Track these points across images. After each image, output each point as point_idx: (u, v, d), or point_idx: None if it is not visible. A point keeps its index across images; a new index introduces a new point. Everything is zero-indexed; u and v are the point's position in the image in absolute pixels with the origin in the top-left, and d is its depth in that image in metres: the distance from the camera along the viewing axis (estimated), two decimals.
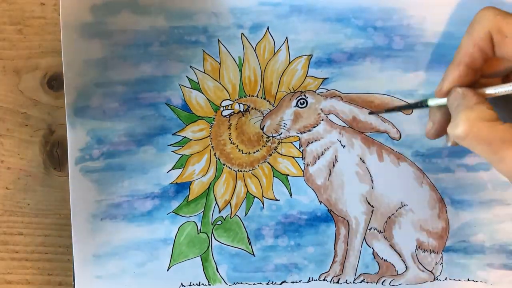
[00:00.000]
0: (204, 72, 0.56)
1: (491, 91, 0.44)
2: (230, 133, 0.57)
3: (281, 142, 0.57)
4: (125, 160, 0.56)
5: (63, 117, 0.56)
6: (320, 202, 0.57)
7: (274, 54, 0.56)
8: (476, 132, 0.41)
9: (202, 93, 0.56)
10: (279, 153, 0.57)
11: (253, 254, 0.57)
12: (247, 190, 0.57)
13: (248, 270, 0.57)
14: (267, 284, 0.57)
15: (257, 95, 0.56)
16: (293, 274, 0.57)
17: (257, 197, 0.57)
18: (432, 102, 0.47)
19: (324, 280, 0.57)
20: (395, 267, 0.57)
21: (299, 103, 0.56)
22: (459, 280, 0.57)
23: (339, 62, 0.56)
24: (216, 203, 0.57)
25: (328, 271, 0.57)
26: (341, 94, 0.56)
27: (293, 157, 0.57)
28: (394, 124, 0.56)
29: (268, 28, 0.56)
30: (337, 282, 0.57)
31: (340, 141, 0.57)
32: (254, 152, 0.57)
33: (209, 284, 0.57)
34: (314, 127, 0.57)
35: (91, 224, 0.56)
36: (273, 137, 0.57)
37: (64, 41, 0.55)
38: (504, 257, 0.57)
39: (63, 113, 0.56)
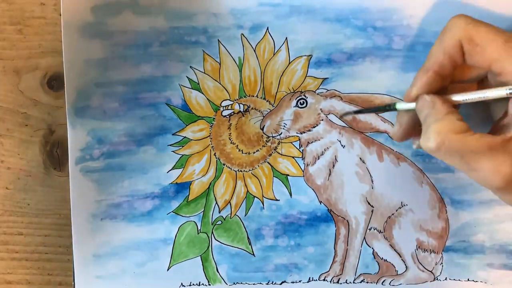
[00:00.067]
0: (204, 72, 0.56)
1: (457, 98, 0.45)
2: (230, 133, 0.57)
3: (281, 142, 0.57)
4: (125, 160, 0.56)
5: (63, 117, 0.56)
6: (320, 202, 0.57)
7: (274, 54, 0.56)
8: (448, 145, 0.42)
9: (202, 93, 0.56)
10: (279, 153, 0.57)
11: (253, 254, 0.57)
12: (247, 190, 0.57)
13: (248, 270, 0.57)
14: (267, 284, 0.57)
15: (257, 95, 0.56)
16: (293, 274, 0.57)
17: (257, 197, 0.57)
18: (400, 106, 0.48)
19: (324, 280, 0.57)
20: (395, 267, 0.57)
21: (299, 103, 0.56)
22: (459, 280, 0.57)
23: (339, 62, 0.56)
24: (216, 203, 0.57)
25: (328, 271, 0.57)
26: (341, 94, 0.56)
27: (293, 157, 0.57)
28: (394, 124, 0.56)
29: (268, 28, 0.56)
30: (337, 282, 0.57)
31: (340, 141, 0.57)
32: (254, 152, 0.57)
33: (209, 284, 0.57)
34: (314, 127, 0.57)
35: (91, 224, 0.56)
36: (273, 137, 0.57)
37: (65, 41, 0.55)
38: (504, 257, 0.57)
39: (63, 113, 0.56)
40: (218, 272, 0.57)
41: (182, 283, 0.57)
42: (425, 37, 0.55)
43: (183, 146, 0.56)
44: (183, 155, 0.56)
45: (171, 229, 0.57)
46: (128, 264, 0.57)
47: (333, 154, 0.57)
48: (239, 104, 0.56)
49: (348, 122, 0.57)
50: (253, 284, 0.57)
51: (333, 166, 0.57)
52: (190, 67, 0.56)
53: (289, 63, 0.56)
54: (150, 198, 0.56)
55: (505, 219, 0.56)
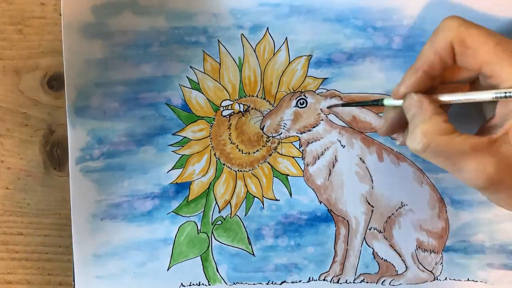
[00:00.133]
0: (204, 72, 0.56)
1: (445, 98, 0.45)
2: (230, 133, 0.57)
3: (281, 142, 0.57)
4: (125, 160, 0.56)
5: (63, 117, 0.56)
6: (320, 202, 0.57)
7: (274, 54, 0.56)
8: (434, 146, 0.43)
9: (202, 93, 0.56)
10: (279, 153, 0.57)
11: (253, 254, 0.57)
12: (247, 190, 0.57)
13: (248, 270, 0.57)
14: (267, 284, 0.57)
15: (257, 95, 0.56)
16: (293, 274, 0.57)
17: (257, 197, 0.57)
18: (387, 102, 0.48)
19: (324, 280, 0.57)
20: (395, 267, 0.57)
21: (299, 103, 0.56)
22: (459, 280, 0.57)
23: (338, 62, 0.56)
24: (216, 203, 0.57)
25: (328, 271, 0.57)
26: (340, 94, 0.56)
27: (293, 157, 0.57)
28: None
29: (267, 28, 0.56)
30: (337, 282, 0.57)
31: (340, 141, 0.57)
32: (254, 152, 0.57)
33: (209, 284, 0.57)
34: (314, 127, 0.57)
35: (91, 224, 0.56)
36: (273, 137, 0.57)
37: (65, 41, 0.55)
38: (504, 257, 0.57)
39: (63, 113, 0.56)
40: (218, 272, 0.57)
41: (182, 283, 0.57)
42: (425, 37, 0.55)
43: (183, 146, 0.56)
44: (183, 155, 0.57)
45: (171, 229, 0.57)
46: (128, 264, 0.57)
47: (333, 154, 0.57)
48: (239, 104, 0.56)
49: (348, 122, 0.57)
50: (253, 284, 0.57)
51: (333, 166, 0.57)
52: (190, 67, 0.56)
53: (289, 63, 0.56)
54: (150, 198, 0.56)
55: (505, 219, 0.56)
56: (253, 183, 0.57)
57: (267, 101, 0.56)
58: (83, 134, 0.56)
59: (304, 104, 0.56)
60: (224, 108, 0.57)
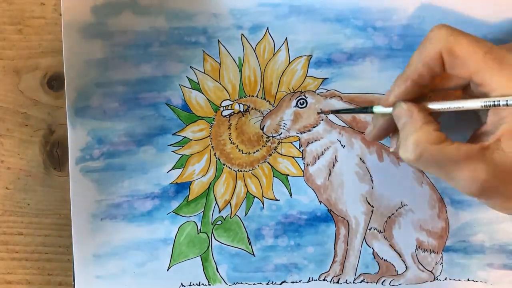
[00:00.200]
0: (204, 73, 0.56)
1: (434, 106, 0.45)
2: (230, 133, 0.57)
3: (281, 142, 0.57)
4: (125, 160, 0.56)
5: (63, 117, 0.56)
6: (320, 202, 0.57)
7: (273, 54, 0.56)
8: (426, 156, 0.43)
9: (202, 93, 0.56)
10: (279, 153, 0.57)
11: (253, 254, 0.57)
12: (247, 190, 0.57)
13: (248, 270, 0.57)
14: (267, 284, 0.57)
15: (257, 95, 0.56)
16: (293, 274, 0.57)
17: (257, 197, 0.57)
18: (376, 110, 0.49)
19: (324, 280, 0.57)
20: (395, 267, 0.57)
21: (299, 103, 0.56)
22: (459, 280, 0.57)
23: (338, 62, 0.56)
24: (216, 203, 0.57)
25: (328, 271, 0.57)
26: (340, 94, 0.56)
27: (293, 157, 0.57)
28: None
29: (267, 28, 0.56)
30: (337, 282, 0.57)
31: (340, 141, 0.57)
32: (254, 152, 0.57)
33: (209, 284, 0.57)
34: (314, 127, 0.57)
35: (91, 224, 0.56)
36: (273, 137, 0.57)
37: (65, 41, 0.55)
38: (504, 257, 0.57)
39: (63, 113, 0.56)
40: (218, 272, 0.57)
41: (182, 283, 0.57)
42: (424, 37, 0.55)
43: (183, 146, 0.56)
44: (183, 155, 0.57)
45: (171, 229, 0.57)
46: (128, 264, 0.57)
47: (333, 154, 0.57)
48: (239, 104, 0.56)
49: (348, 122, 0.57)
50: (253, 284, 0.57)
51: (333, 166, 0.57)
52: (190, 67, 0.56)
53: (289, 63, 0.56)
54: (150, 198, 0.56)
55: (505, 219, 0.56)
56: (253, 183, 0.57)
57: (267, 101, 0.56)
58: (83, 134, 0.56)
59: (304, 104, 0.56)
60: (224, 108, 0.57)
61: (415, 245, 0.57)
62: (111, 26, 0.55)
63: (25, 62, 0.56)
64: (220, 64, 0.56)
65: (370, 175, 0.56)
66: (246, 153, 0.57)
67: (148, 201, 0.56)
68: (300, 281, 0.57)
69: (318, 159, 0.57)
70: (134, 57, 0.56)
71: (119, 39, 0.55)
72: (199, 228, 0.57)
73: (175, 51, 0.56)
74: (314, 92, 0.56)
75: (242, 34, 0.56)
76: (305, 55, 0.56)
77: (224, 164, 0.57)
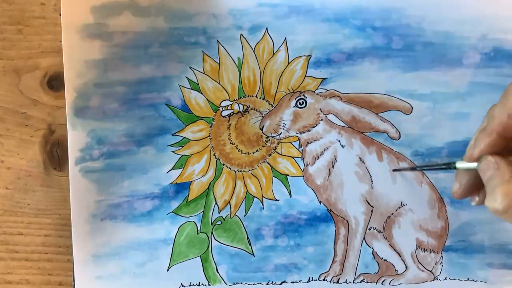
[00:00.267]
0: (204, 73, 0.56)
1: None
2: (230, 133, 0.57)
3: (281, 142, 0.57)
4: (125, 161, 0.56)
5: (63, 117, 0.56)
6: (320, 202, 0.57)
7: (273, 54, 0.56)
8: None
9: (202, 93, 0.56)
10: (278, 153, 0.57)
11: (253, 254, 0.57)
12: (247, 190, 0.57)
13: (248, 270, 0.57)
14: (267, 284, 0.57)
15: (256, 96, 0.56)
16: (293, 274, 0.57)
17: (256, 197, 0.57)
18: (460, 165, 0.46)
19: (324, 280, 0.57)
20: (395, 267, 0.57)
21: (298, 103, 0.56)
22: (459, 279, 0.57)
23: (338, 62, 0.56)
24: (216, 203, 0.57)
25: (328, 271, 0.57)
26: (340, 94, 0.56)
27: (292, 157, 0.57)
28: (394, 124, 0.56)
29: (267, 29, 0.56)
30: (337, 282, 0.57)
31: (339, 141, 0.57)
32: (253, 152, 0.57)
33: (209, 284, 0.57)
34: (314, 127, 0.57)
35: (91, 224, 0.56)
36: (272, 137, 0.57)
37: (65, 42, 0.55)
38: (504, 257, 0.57)
39: (63, 113, 0.56)
40: (218, 272, 0.57)
41: (182, 283, 0.57)
42: (424, 36, 0.56)
43: (182, 147, 0.57)
44: (182, 155, 0.57)
45: (171, 229, 0.57)
46: (128, 264, 0.57)
47: (332, 154, 0.57)
48: (238, 104, 0.57)
49: (347, 122, 0.57)
50: (253, 284, 0.57)
51: (333, 166, 0.57)
52: (190, 67, 0.56)
53: (288, 63, 0.56)
54: (150, 198, 0.56)
55: None
56: (253, 183, 0.57)
57: (266, 101, 0.57)
58: (83, 135, 0.56)
59: (304, 104, 0.56)
60: (223, 109, 0.57)
61: (415, 245, 0.57)
62: (111, 27, 0.55)
63: (25, 62, 0.56)
64: (219, 65, 0.56)
65: (370, 175, 0.56)
66: (245, 153, 0.57)
67: (148, 201, 0.56)
68: (300, 281, 0.57)
69: (318, 159, 0.57)
70: (133, 58, 0.56)
71: (118, 39, 0.56)
72: (199, 228, 0.57)
73: (175, 52, 0.56)
74: (314, 92, 0.56)
75: (242, 35, 0.56)
76: (304, 55, 0.56)
77: (223, 164, 0.57)
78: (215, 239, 0.57)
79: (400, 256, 0.57)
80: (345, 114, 0.56)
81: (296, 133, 0.57)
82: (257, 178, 0.57)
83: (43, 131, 0.57)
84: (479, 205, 0.47)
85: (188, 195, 0.57)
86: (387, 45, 0.56)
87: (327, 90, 0.56)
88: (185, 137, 0.56)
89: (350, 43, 0.56)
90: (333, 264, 0.57)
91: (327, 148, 0.57)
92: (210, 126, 0.57)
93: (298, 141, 0.57)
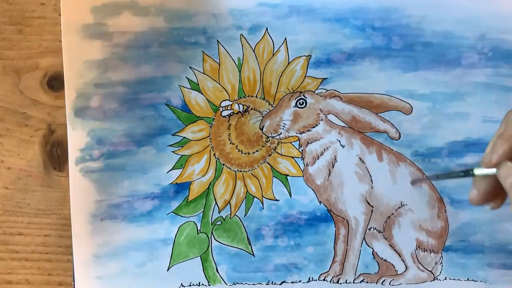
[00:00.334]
0: (204, 73, 0.56)
1: None
2: (230, 134, 0.57)
3: (281, 142, 0.57)
4: (125, 161, 0.56)
5: (63, 117, 0.56)
6: (320, 202, 0.57)
7: (273, 54, 0.56)
8: None
9: (202, 93, 0.56)
10: (278, 153, 0.57)
11: (253, 254, 0.57)
12: (247, 190, 0.57)
13: (248, 270, 0.57)
14: (267, 284, 0.57)
15: (256, 96, 0.56)
16: (293, 274, 0.57)
17: (256, 197, 0.57)
18: (478, 172, 0.46)
19: (324, 280, 0.57)
20: (394, 267, 0.57)
21: (298, 103, 0.56)
22: (458, 279, 0.57)
23: (338, 62, 0.56)
24: (216, 203, 0.57)
25: (328, 271, 0.57)
26: (340, 94, 0.56)
27: (292, 157, 0.57)
28: (394, 124, 0.56)
29: (267, 29, 0.56)
30: (337, 282, 0.57)
31: (339, 141, 0.57)
32: (253, 152, 0.57)
33: (209, 284, 0.57)
34: (314, 127, 0.57)
35: (91, 225, 0.56)
36: (272, 137, 0.57)
37: (65, 41, 0.55)
38: (504, 257, 0.57)
39: (63, 113, 0.56)
40: (218, 272, 0.57)
41: (182, 283, 0.57)
42: (424, 36, 0.56)
43: (182, 147, 0.57)
44: (182, 155, 0.57)
45: (171, 229, 0.57)
46: (128, 264, 0.56)
47: (332, 154, 0.57)
48: (238, 104, 0.57)
49: (347, 122, 0.57)
50: (253, 284, 0.57)
51: (333, 166, 0.57)
52: (190, 67, 0.56)
53: (288, 63, 0.56)
54: (150, 199, 0.56)
55: (505, 219, 0.56)
56: (253, 183, 0.57)
57: (266, 101, 0.57)
58: (83, 135, 0.56)
59: (304, 104, 0.56)
60: (223, 109, 0.57)
61: (414, 245, 0.57)
62: (111, 27, 0.55)
63: (25, 62, 0.56)
64: (219, 65, 0.56)
65: (370, 175, 0.56)
66: (245, 153, 0.57)
67: (148, 201, 0.56)
68: (300, 281, 0.57)
69: (318, 159, 0.57)
70: (133, 58, 0.56)
71: (118, 39, 0.56)
72: (199, 228, 0.57)
73: (175, 52, 0.56)
74: (314, 92, 0.56)
75: (242, 35, 0.56)
76: (305, 55, 0.56)
77: (223, 164, 0.57)
78: (215, 239, 0.57)
79: (400, 256, 0.57)
80: (345, 114, 0.57)
81: (296, 133, 0.57)
82: (257, 178, 0.57)
83: (43, 131, 0.57)
84: (496, 209, 0.47)
85: (188, 195, 0.57)
86: (387, 45, 0.56)
87: (327, 90, 0.56)
88: (185, 137, 0.56)
89: (350, 43, 0.56)
90: (333, 264, 0.57)
91: (327, 148, 0.57)
92: (210, 126, 0.57)
93: (298, 141, 0.57)
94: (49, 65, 0.56)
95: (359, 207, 0.57)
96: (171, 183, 0.57)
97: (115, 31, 0.55)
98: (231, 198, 0.57)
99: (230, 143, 0.57)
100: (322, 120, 0.57)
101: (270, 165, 0.57)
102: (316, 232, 0.57)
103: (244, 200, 0.57)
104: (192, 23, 0.56)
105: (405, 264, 0.57)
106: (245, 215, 0.57)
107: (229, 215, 0.57)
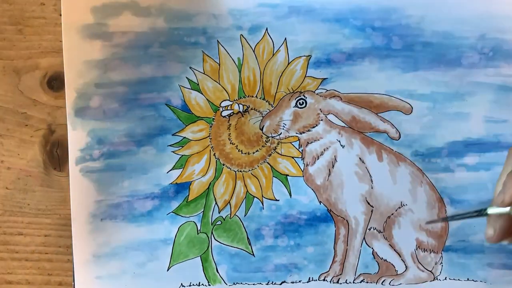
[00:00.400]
0: (204, 73, 0.56)
1: None
2: (230, 134, 0.57)
3: (281, 142, 0.57)
4: (125, 161, 0.56)
5: (63, 117, 0.56)
6: (320, 202, 0.57)
7: (273, 55, 0.56)
8: None
9: (202, 93, 0.56)
10: (278, 153, 0.57)
11: (253, 254, 0.57)
12: (247, 190, 0.57)
13: (248, 270, 0.57)
14: (267, 284, 0.57)
15: (256, 96, 0.57)
16: (293, 274, 0.57)
17: (256, 197, 0.57)
18: (492, 211, 0.45)
19: (324, 280, 0.57)
20: (394, 267, 0.57)
21: (298, 103, 0.56)
22: (458, 279, 0.57)
23: (338, 62, 0.56)
24: (216, 203, 0.57)
25: (328, 271, 0.57)
26: (340, 94, 0.56)
27: (292, 157, 0.57)
28: (394, 124, 0.56)
29: (267, 29, 0.56)
30: (337, 282, 0.57)
31: (339, 141, 0.57)
32: (253, 152, 0.57)
33: (209, 284, 0.57)
34: (314, 127, 0.57)
35: (91, 224, 0.56)
36: (272, 137, 0.57)
37: (65, 42, 0.55)
38: (504, 257, 0.57)
39: (63, 113, 0.56)
40: (218, 272, 0.57)
41: (182, 283, 0.57)
42: (423, 36, 0.56)
43: (183, 147, 0.57)
44: (182, 155, 0.57)
45: (171, 229, 0.57)
46: (128, 264, 0.56)
47: (332, 154, 0.57)
48: (238, 104, 0.57)
49: (347, 122, 0.57)
50: (253, 284, 0.57)
51: (333, 166, 0.57)
52: (190, 67, 0.56)
53: (288, 63, 0.56)
54: (150, 199, 0.56)
55: None
56: (253, 183, 0.57)
57: (266, 101, 0.57)
58: (83, 135, 0.56)
59: (304, 104, 0.56)
60: (223, 109, 0.57)
61: (414, 245, 0.57)
62: (111, 27, 0.56)
63: (25, 62, 0.57)
64: (219, 65, 0.56)
65: (370, 175, 0.56)
66: (245, 153, 0.57)
67: (148, 201, 0.56)
68: (300, 281, 0.57)
69: (318, 159, 0.57)
70: (134, 58, 0.56)
71: (119, 39, 0.56)
72: (199, 228, 0.57)
73: (175, 52, 0.56)
74: (314, 92, 0.56)
75: (242, 35, 0.56)
76: (304, 55, 0.56)
77: (223, 165, 0.57)
78: (215, 239, 0.57)
79: (400, 256, 0.57)
80: (345, 114, 0.57)
81: (296, 133, 0.57)
82: (257, 178, 0.57)
83: (43, 131, 0.57)
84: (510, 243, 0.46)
85: (188, 195, 0.57)
86: (386, 45, 0.56)
87: (327, 90, 0.56)
88: (185, 137, 0.56)
89: (350, 43, 0.56)
90: (333, 264, 0.57)
91: (327, 148, 0.57)
92: (210, 126, 0.57)
93: (298, 141, 0.57)
94: (49, 65, 0.56)
95: (359, 207, 0.57)
96: (171, 183, 0.57)
97: (115, 31, 0.56)
98: (231, 198, 0.57)
99: (230, 143, 0.57)
100: (322, 120, 0.57)
101: (270, 165, 0.57)
102: (316, 232, 0.57)
103: (244, 200, 0.57)
104: (192, 23, 0.56)
105: (405, 264, 0.57)
106: (245, 215, 0.57)
107: (229, 215, 0.57)
